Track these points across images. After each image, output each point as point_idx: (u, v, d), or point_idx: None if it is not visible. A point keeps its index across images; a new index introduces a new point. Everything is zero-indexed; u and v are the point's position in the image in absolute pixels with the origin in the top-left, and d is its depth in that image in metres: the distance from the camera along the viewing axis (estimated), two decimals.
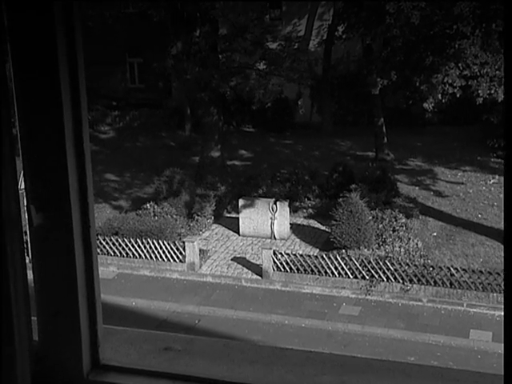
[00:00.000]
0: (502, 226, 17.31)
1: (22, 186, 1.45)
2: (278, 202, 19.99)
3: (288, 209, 20.06)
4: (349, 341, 14.91)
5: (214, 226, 21.17)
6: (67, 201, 1.41)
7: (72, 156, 1.41)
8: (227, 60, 25.21)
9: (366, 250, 17.89)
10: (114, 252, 18.69)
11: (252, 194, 21.78)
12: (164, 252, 18.38)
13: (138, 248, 18.50)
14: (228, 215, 21.89)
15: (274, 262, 17.42)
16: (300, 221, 21.28)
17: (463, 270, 16.34)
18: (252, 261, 18.56)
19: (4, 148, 1.38)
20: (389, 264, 16.67)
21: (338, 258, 17.03)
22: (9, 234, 1.40)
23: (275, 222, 19.90)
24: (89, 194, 1.46)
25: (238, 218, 20.46)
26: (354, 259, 16.92)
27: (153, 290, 17.38)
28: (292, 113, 33.91)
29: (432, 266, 16.68)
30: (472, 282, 16.12)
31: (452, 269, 16.37)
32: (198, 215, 20.81)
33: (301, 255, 17.56)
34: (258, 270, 17.89)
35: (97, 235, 17.71)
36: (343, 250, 17.90)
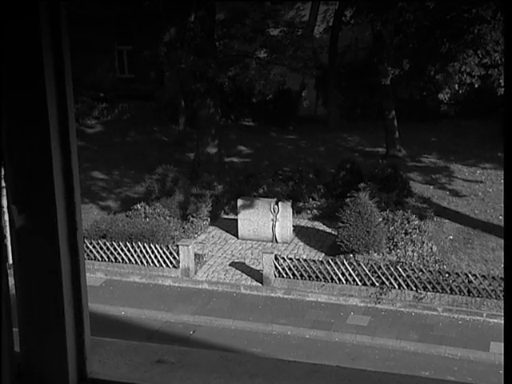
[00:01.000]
0: None
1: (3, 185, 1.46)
2: (279, 203, 20.01)
3: (291, 210, 20.09)
4: (357, 353, 14.92)
5: (211, 228, 21.19)
6: (52, 201, 1.42)
7: (57, 153, 1.42)
8: (225, 48, 25.23)
9: (375, 254, 17.91)
10: (102, 257, 18.70)
11: (252, 194, 21.81)
12: (156, 257, 18.39)
13: (127, 252, 18.51)
14: (226, 217, 21.91)
15: (276, 267, 17.44)
16: (304, 223, 21.30)
17: (482, 276, 16.35)
18: (252, 266, 18.57)
19: None
20: (401, 270, 16.68)
21: (346, 264, 17.04)
22: None
23: (277, 224, 19.92)
24: (75, 193, 1.47)
25: (236, 220, 20.47)
26: (362, 264, 16.94)
27: (144, 298, 17.39)
28: (295, 105, 33.95)
29: (448, 273, 16.68)
30: (492, 290, 16.12)
31: (470, 275, 16.38)
32: (193, 216, 20.83)
33: (305, 260, 17.58)
34: (258, 276, 17.91)
35: None
36: (351, 255, 17.91)
